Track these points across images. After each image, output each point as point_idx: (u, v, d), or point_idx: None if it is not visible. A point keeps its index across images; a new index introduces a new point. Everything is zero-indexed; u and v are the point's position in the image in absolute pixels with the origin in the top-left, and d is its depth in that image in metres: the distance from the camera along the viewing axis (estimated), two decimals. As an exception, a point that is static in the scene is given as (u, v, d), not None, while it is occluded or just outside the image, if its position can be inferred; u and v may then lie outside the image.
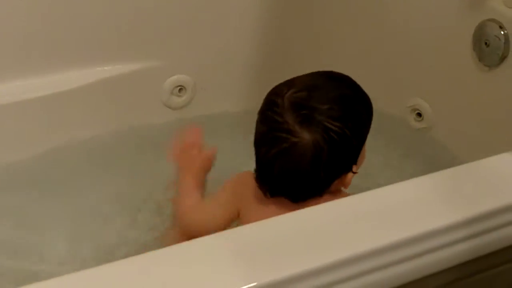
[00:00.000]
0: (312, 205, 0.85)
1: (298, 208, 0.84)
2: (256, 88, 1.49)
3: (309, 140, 0.93)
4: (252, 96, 1.51)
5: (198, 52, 1.45)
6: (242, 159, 1.27)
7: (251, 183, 1.01)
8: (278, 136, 0.94)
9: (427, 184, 0.82)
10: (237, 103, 1.52)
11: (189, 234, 1.05)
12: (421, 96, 1.48)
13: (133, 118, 1.44)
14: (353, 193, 0.98)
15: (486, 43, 1.30)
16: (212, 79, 1.48)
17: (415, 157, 1.45)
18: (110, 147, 1.41)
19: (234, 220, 1.07)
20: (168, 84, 1.45)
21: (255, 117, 0.99)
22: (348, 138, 0.94)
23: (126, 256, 0.81)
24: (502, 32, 1.26)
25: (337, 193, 1.00)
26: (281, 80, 1.00)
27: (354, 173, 0.99)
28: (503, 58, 1.28)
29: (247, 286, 0.67)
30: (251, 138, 0.99)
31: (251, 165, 1.00)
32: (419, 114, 1.49)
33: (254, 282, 0.67)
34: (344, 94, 0.98)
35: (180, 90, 1.47)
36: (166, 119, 1.47)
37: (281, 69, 1.26)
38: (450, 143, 1.42)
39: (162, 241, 1.17)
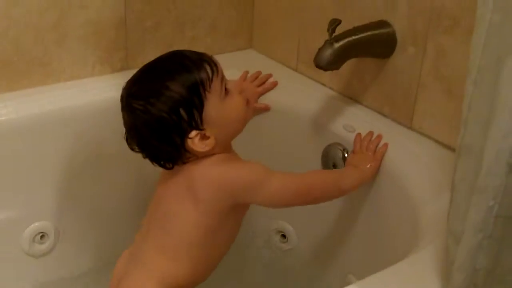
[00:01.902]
0: (184, 172, 1.12)
1: (180, 175, 1.12)
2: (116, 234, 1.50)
3: (127, 121, 1.12)
4: (114, 239, 1.50)
5: (56, 197, 1.43)
6: None
7: None
8: None
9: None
10: (102, 243, 1.51)
11: None
12: (284, 219, 1.52)
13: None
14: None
15: (333, 166, 1.36)
16: (73, 223, 1.46)
17: (281, 278, 1.48)
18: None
19: None
20: (29, 232, 1.42)
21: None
22: (154, 112, 1.07)
23: None
24: (346, 155, 1.33)
25: (207, 157, 1.12)
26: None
27: (191, 138, 1.08)
28: (350, 178, 1.34)
29: None
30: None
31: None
32: (284, 236, 1.53)
33: None
34: (149, 74, 1.12)
35: (42, 237, 1.44)
36: (30, 268, 1.43)
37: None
38: (314, 263, 1.46)
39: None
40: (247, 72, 1.44)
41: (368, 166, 1.24)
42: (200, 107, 1.09)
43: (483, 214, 0.78)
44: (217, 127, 1.11)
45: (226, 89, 1.12)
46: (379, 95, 1.34)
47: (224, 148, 1.16)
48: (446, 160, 1.21)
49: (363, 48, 1.27)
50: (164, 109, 1.07)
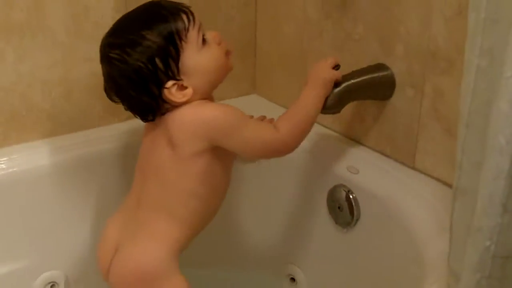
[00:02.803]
0: (162, 122, 1.13)
1: (160, 127, 1.13)
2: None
3: (104, 71, 1.13)
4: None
5: (65, 246, 1.45)
6: None
7: None
8: None
9: None
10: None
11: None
12: (294, 263, 1.53)
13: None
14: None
15: (339, 207, 1.37)
16: (83, 271, 1.48)
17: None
18: None
19: None
20: (40, 282, 1.44)
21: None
22: (130, 61, 1.08)
23: None
24: (351, 196, 1.34)
25: (184, 105, 1.13)
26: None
27: (167, 88, 1.10)
28: (356, 220, 1.35)
29: None
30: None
31: None
32: (293, 279, 1.54)
33: None
34: (125, 24, 1.13)
35: (52, 286, 1.45)
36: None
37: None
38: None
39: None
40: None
41: (322, 76, 1.21)
42: (176, 56, 1.10)
43: (480, 254, 0.79)
44: (195, 78, 1.12)
45: (204, 39, 1.13)
46: (381, 136, 1.36)
47: (202, 97, 1.16)
48: (449, 199, 1.21)
49: (363, 91, 1.29)
50: (140, 58, 1.08)
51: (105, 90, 1.16)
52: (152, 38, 1.09)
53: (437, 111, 1.23)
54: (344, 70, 1.26)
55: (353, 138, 1.43)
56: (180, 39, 1.10)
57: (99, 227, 1.46)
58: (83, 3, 1.40)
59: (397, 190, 1.28)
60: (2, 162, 1.37)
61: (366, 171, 1.34)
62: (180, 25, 1.10)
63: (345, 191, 1.36)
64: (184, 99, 1.12)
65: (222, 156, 1.16)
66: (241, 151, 1.15)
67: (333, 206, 1.39)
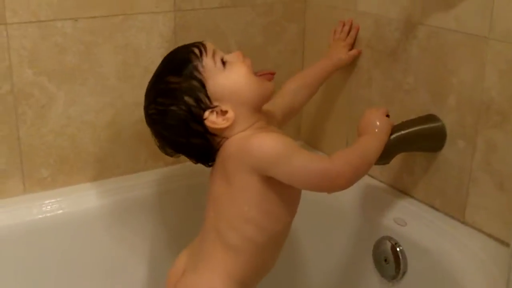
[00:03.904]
0: (217, 156, 1.15)
1: (216, 161, 1.16)
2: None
3: (153, 132, 1.18)
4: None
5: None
6: None
7: None
8: None
9: None
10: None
11: None
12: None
13: None
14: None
15: (385, 260, 1.35)
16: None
17: None
18: None
19: None
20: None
21: None
22: (164, 109, 1.13)
23: None
24: (398, 249, 1.32)
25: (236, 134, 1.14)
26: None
27: (205, 119, 1.12)
28: (403, 273, 1.32)
29: None
30: None
31: None
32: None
33: None
34: (150, 82, 1.18)
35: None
36: None
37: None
38: None
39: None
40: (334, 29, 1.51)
41: (377, 123, 1.20)
42: (202, 87, 1.12)
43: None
44: (229, 99, 1.13)
45: (223, 62, 1.15)
46: (430, 188, 1.34)
47: (250, 120, 1.16)
48: (501, 255, 1.18)
49: (413, 143, 1.27)
50: (171, 102, 1.12)
51: (161, 149, 1.19)
52: (173, 80, 1.13)
53: (489, 165, 1.21)
54: (393, 120, 1.25)
55: (402, 190, 1.41)
56: (198, 70, 1.13)
57: (144, 270, 1.47)
58: (133, 49, 1.42)
59: (445, 244, 1.25)
60: (50, 204, 1.38)
61: (414, 223, 1.32)
62: (193, 58, 1.13)
63: (391, 243, 1.33)
64: (228, 123, 1.13)
65: (277, 183, 1.12)
66: (291, 180, 1.10)
67: (379, 258, 1.36)
